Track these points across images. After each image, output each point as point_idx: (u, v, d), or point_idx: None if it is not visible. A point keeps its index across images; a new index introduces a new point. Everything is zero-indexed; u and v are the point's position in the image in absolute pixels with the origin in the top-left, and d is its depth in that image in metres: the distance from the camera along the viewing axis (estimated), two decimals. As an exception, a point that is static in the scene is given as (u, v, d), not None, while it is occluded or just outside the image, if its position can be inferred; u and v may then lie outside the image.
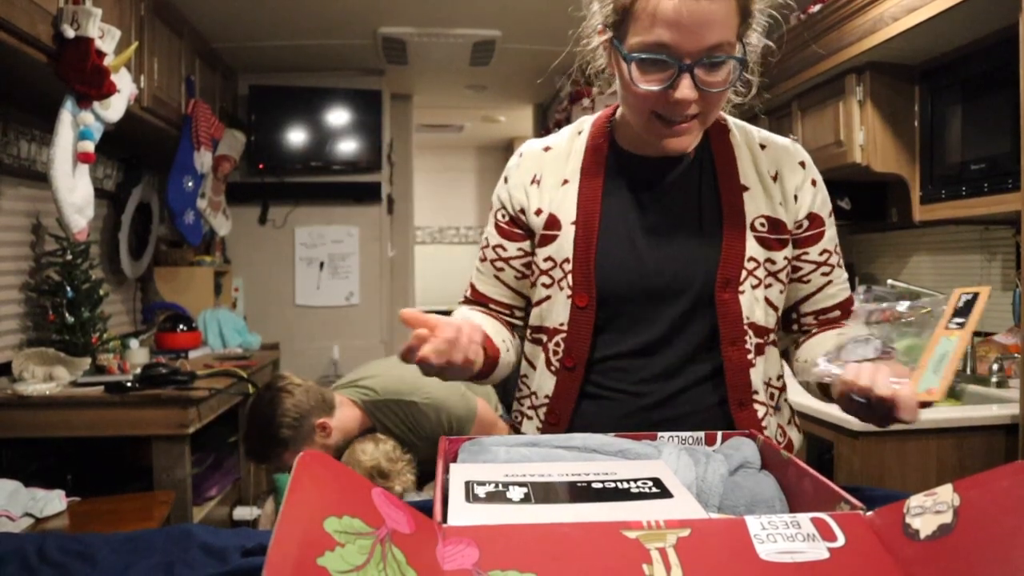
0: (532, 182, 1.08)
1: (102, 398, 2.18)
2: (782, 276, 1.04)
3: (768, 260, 1.02)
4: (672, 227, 1.02)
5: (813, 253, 1.06)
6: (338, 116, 3.98)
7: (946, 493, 0.57)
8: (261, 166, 3.95)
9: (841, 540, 0.57)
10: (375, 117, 4.02)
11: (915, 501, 0.59)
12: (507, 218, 1.11)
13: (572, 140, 1.10)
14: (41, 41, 1.84)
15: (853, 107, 2.39)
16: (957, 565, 0.52)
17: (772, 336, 1.06)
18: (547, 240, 1.06)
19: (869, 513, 0.61)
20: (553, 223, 1.05)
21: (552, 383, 1.06)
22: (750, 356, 1.01)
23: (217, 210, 3.47)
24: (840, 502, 0.65)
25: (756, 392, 1.03)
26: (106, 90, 2.02)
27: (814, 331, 1.08)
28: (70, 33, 1.89)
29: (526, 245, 1.10)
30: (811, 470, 0.73)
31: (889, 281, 2.41)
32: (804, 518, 0.59)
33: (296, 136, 3.96)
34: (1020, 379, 1.77)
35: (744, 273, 1.00)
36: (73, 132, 2.02)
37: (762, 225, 1.02)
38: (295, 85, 3.94)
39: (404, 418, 2.02)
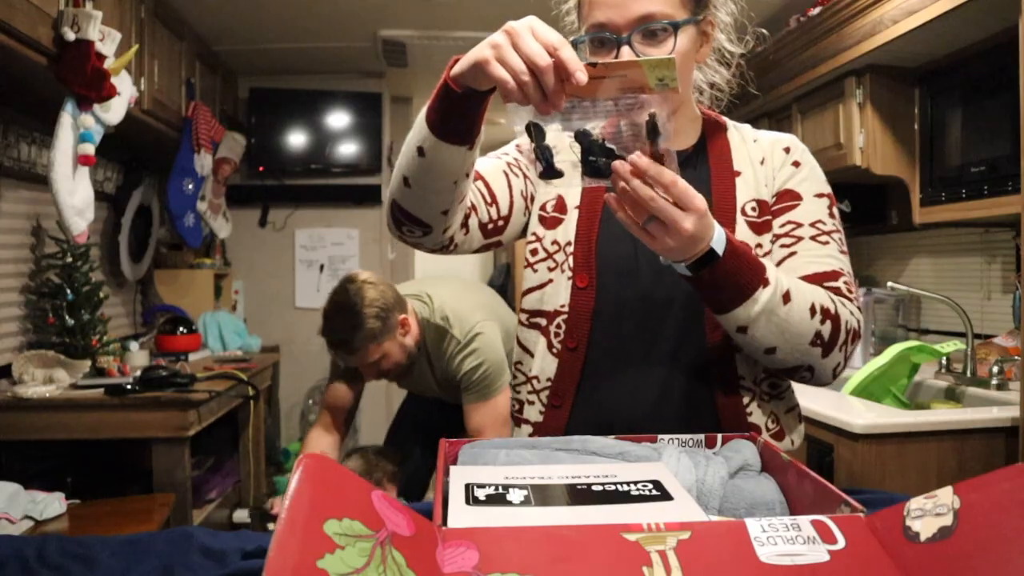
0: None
1: (102, 400, 2.17)
2: (771, 260, 1.04)
3: (758, 245, 1.03)
4: None
5: (775, 225, 1.04)
6: (338, 119, 3.98)
7: (946, 496, 0.57)
8: (261, 169, 3.95)
9: (841, 542, 0.57)
10: (375, 120, 4.03)
11: (915, 504, 0.59)
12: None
13: None
14: (41, 44, 1.84)
15: (853, 110, 2.39)
16: (957, 568, 0.52)
17: None
18: (555, 223, 1.09)
19: (869, 515, 0.61)
20: (561, 206, 1.10)
21: (554, 365, 1.06)
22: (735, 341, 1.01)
23: (217, 212, 3.47)
24: (840, 504, 0.65)
25: (743, 378, 1.03)
26: (106, 93, 2.02)
27: None
28: (70, 36, 1.89)
29: (531, 178, 1.11)
30: (811, 472, 0.73)
31: (889, 283, 2.41)
32: (804, 520, 0.59)
33: (296, 139, 3.96)
34: (1020, 382, 1.77)
35: None
36: (73, 135, 2.02)
37: (753, 210, 1.04)
38: (295, 88, 3.94)
39: (437, 347, 2.01)
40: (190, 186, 3.14)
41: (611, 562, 0.54)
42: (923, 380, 2.33)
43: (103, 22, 1.98)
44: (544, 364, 1.08)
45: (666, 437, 0.89)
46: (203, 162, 3.14)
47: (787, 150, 1.08)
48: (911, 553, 0.56)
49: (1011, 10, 1.72)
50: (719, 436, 0.90)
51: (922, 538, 0.56)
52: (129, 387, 2.20)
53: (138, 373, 2.32)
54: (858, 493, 0.93)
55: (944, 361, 2.31)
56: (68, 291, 2.42)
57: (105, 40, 2.02)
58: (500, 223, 1.06)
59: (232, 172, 3.59)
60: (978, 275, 2.48)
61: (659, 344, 1.03)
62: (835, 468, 1.85)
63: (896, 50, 2.19)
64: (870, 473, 1.77)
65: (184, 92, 3.01)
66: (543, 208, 1.11)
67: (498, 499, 0.68)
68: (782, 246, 1.03)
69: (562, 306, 1.06)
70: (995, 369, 2.11)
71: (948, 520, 0.55)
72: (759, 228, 1.03)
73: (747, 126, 1.14)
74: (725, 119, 1.13)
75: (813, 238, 1.02)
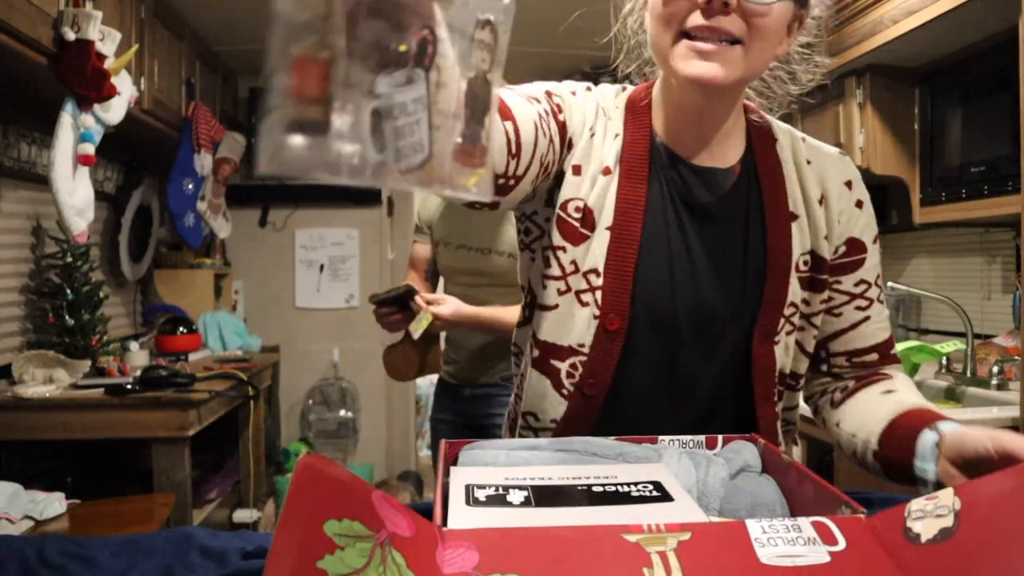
0: (589, 133, 0.92)
1: (102, 400, 2.18)
2: (816, 320, 0.94)
3: (804, 301, 0.92)
4: (713, 258, 0.91)
5: (847, 283, 0.94)
6: (338, 118, 3.98)
7: (947, 497, 0.57)
8: (261, 168, 3.95)
9: (842, 544, 0.57)
10: (375, 119, 4.02)
11: (916, 505, 0.59)
12: (558, 107, 0.89)
13: (614, 114, 0.95)
14: (42, 44, 1.84)
15: (853, 110, 2.39)
16: (958, 569, 0.52)
17: (801, 381, 0.98)
18: (577, 238, 0.90)
19: (870, 516, 0.61)
20: (589, 220, 0.90)
21: (563, 408, 0.93)
22: (778, 409, 0.95)
23: (217, 212, 3.47)
24: (841, 506, 0.64)
25: (781, 444, 0.98)
26: (106, 93, 2.02)
27: (850, 382, 0.97)
28: (71, 36, 1.89)
29: (556, 147, 0.87)
30: (812, 474, 0.73)
31: (889, 283, 2.41)
32: (805, 522, 0.59)
33: (296, 138, 3.95)
34: (1020, 382, 1.77)
35: (782, 322, 0.91)
36: (73, 134, 2.02)
37: (806, 264, 0.92)
38: (295, 88, 3.94)
39: None
40: (190, 186, 3.14)
41: (611, 563, 0.54)
42: (923, 380, 2.33)
43: (103, 22, 1.98)
44: (549, 404, 0.94)
45: (666, 438, 0.89)
46: (203, 162, 3.14)
47: (849, 184, 0.95)
48: (912, 554, 0.55)
49: (1011, 10, 1.71)
50: (719, 437, 0.90)
51: (923, 539, 0.56)
52: (129, 387, 2.20)
53: (138, 373, 2.32)
54: (858, 494, 0.93)
55: (944, 361, 2.31)
56: (68, 291, 2.42)
57: (105, 40, 2.02)
58: (512, 182, 0.79)
59: (232, 172, 3.59)
60: (978, 275, 2.48)
61: (690, 405, 0.94)
62: (835, 468, 1.85)
63: (896, 50, 2.19)
64: (870, 474, 1.77)
65: (184, 92, 3.01)
66: (564, 208, 0.90)
67: (498, 500, 0.68)
68: (857, 308, 0.95)
69: (581, 345, 0.91)
70: (995, 369, 2.11)
71: (949, 521, 0.55)
72: (813, 285, 0.92)
73: (795, 132, 0.97)
74: (772, 123, 0.95)
75: (879, 299, 0.96)
